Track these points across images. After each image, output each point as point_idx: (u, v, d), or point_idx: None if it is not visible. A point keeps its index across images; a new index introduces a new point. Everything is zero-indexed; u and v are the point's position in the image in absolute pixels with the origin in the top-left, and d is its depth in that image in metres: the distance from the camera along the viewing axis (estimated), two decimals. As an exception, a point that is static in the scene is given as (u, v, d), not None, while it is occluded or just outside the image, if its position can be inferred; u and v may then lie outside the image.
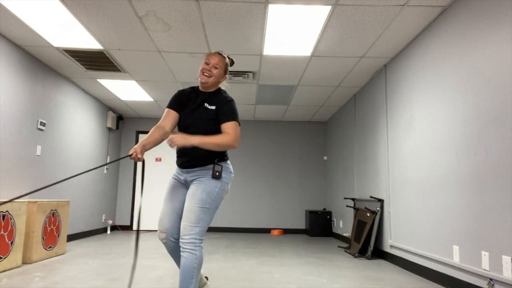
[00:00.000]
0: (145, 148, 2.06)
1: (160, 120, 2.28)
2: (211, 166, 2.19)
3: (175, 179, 2.33)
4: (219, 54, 2.32)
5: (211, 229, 7.82)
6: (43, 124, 4.93)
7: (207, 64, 2.27)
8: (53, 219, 4.40)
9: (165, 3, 3.36)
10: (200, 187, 2.15)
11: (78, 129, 6.02)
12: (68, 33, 3.99)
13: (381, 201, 4.74)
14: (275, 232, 7.66)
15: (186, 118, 2.28)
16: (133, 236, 6.80)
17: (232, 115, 2.21)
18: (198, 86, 2.38)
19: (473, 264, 2.85)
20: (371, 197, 5.00)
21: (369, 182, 5.31)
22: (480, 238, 2.77)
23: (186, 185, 2.29)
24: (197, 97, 2.32)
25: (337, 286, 3.18)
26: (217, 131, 2.19)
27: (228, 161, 2.32)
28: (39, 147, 4.87)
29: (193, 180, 2.22)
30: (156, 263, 4.14)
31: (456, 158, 3.10)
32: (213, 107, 2.23)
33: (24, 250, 3.96)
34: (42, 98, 4.92)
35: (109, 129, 7.34)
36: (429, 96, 3.60)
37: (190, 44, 4.25)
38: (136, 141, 8.13)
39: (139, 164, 8.07)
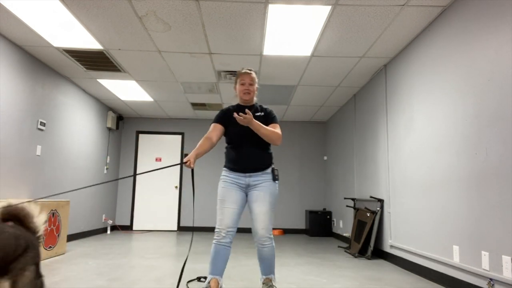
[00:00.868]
0: (197, 157, 2.44)
1: (208, 132, 2.63)
2: (268, 170, 2.63)
3: (231, 183, 2.61)
4: (250, 71, 2.69)
5: (212, 229, 7.82)
6: (43, 124, 4.93)
7: (243, 84, 2.66)
8: (53, 219, 4.40)
9: (165, 3, 3.36)
10: (267, 191, 2.57)
11: (78, 129, 6.02)
12: (68, 33, 3.99)
13: (381, 201, 4.74)
14: (275, 232, 7.67)
15: (239, 126, 2.59)
16: (133, 236, 6.81)
17: (277, 120, 2.70)
18: (237, 104, 2.78)
19: (473, 264, 2.85)
20: (371, 197, 5.00)
21: (369, 182, 5.30)
22: (480, 238, 2.77)
23: (246, 189, 2.62)
24: (241, 111, 2.69)
25: (337, 286, 3.18)
26: None
27: None
28: (39, 147, 4.87)
29: (256, 184, 2.59)
30: (156, 263, 4.14)
31: (456, 158, 3.10)
32: (262, 113, 2.67)
33: (24, 250, 3.95)
34: (42, 98, 4.92)
35: (109, 129, 7.34)
36: (429, 96, 3.60)
37: (190, 44, 4.25)
38: (136, 141, 8.14)
39: (139, 164, 8.09)
